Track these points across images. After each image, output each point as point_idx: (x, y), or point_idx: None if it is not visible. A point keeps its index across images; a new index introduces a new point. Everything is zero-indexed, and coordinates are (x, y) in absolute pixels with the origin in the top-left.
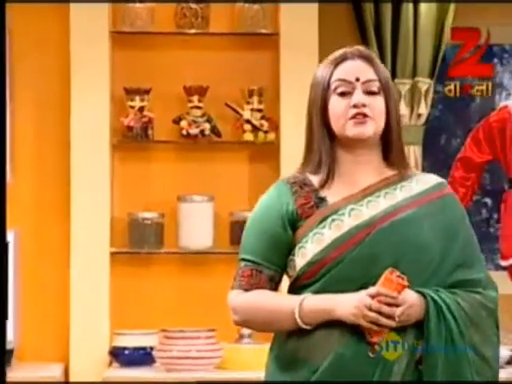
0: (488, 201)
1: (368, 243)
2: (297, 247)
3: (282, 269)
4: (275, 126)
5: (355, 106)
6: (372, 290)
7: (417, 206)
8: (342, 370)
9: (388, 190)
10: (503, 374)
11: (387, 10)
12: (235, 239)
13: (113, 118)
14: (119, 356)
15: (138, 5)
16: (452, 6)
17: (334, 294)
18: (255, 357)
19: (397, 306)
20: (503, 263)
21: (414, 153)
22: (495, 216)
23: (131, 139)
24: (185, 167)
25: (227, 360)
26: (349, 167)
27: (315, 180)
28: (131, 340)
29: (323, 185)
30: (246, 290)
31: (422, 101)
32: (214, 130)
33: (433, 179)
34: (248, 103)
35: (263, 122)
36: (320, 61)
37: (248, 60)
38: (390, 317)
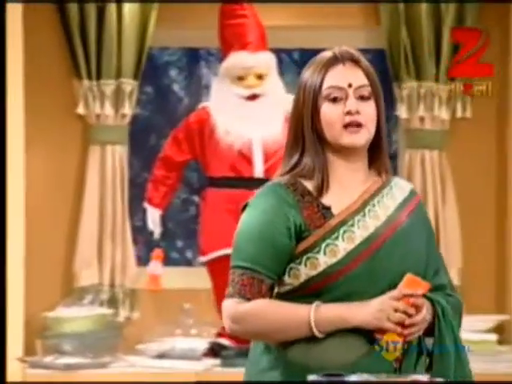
0: (196, 198)
1: (380, 256)
2: (304, 257)
3: (280, 278)
4: None
5: (349, 113)
6: (395, 292)
7: (407, 215)
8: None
9: (378, 199)
10: (200, 367)
11: (91, 10)
12: None
13: None
14: None
15: None
16: (154, 10)
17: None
18: None
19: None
20: (203, 259)
21: (118, 152)
22: None
23: None
24: None
25: None
26: (341, 173)
27: (309, 186)
28: None
29: (320, 192)
30: (248, 299)
31: (127, 101)
32: None
33: (406, 185)
34: None
35: None
36: (25, 61)
37: None
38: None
